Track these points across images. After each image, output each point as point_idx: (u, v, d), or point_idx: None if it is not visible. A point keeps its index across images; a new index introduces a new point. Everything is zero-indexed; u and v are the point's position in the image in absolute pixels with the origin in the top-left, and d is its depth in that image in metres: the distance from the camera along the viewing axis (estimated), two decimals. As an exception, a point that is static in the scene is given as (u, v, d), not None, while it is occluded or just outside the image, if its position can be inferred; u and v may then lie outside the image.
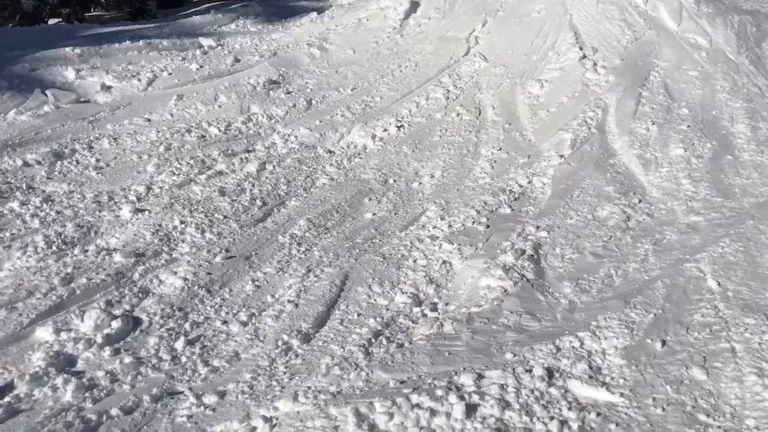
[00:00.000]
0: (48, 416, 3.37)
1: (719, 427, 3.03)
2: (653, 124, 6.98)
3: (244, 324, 4.29)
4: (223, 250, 5.18)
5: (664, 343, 3.67)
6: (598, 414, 3.14)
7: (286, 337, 4.09)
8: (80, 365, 3.85)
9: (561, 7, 9.95)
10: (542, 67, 8.75)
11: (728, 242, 4.71)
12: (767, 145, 6.45)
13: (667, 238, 4.99)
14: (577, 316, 4.11)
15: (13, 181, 6.19)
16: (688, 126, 6.93)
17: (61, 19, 15.45)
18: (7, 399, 3.52)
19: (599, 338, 3.74)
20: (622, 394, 3.28)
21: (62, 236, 5.25)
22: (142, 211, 5.74)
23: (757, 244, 4.67)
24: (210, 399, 3.52)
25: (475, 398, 3.21)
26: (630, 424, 3.08)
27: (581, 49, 8.78)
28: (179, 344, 4.04)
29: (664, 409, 3.16)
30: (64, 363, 3.82)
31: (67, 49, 9.53)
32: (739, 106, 7.37)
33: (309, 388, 3.50)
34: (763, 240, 4.71)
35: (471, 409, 3.13)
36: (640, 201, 5.62)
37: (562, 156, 6.54)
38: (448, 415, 3.10)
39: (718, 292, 4.13)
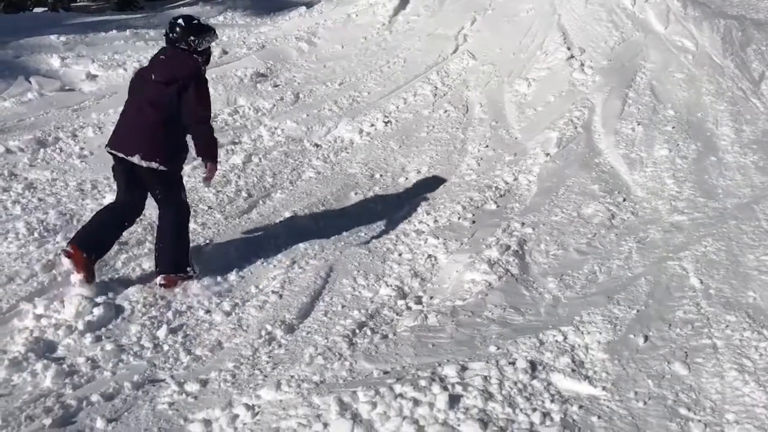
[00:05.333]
0: (27, 401, 3.32)
1: (699, 420, 3.05)
2: (639, 124, 7.03)
3: (228, 314, 4.26)
4: (208, 241, 5.15)
5: (646, 338, 3.69)
6: (581, 407, 3.15)
7: (269, 327, 4.07)
8: (61, 351, 3.80)
9: (550, 7, 9.98)
10: (530, 66, 8.78)
11: (711, 241, 4.74)
12: (751, 147, 6.52)
13: (651, 237, 5.02)
14: (560, 311, 4.13)
15: (-6, 167, 6.12)
16: (673, 127, 6.98)
17: (46, 8, 15.30)
18: (-15, 384, 3.47)
19: (582, 333, 3.75)
20: (604, 388, 3.29)
21: (44, 223, 5.20)
22: (125, 200, 5.68)
23: (739, 244, 4.71)
24: (192, 387, 3.49)
25: (459, 389, 3.20)
26: (612, 417, 3.09)
27: (569, 49, 8.82)
28: (161, 332, 4.00)
29: (645, 403, 3.18)
30: (44, 349, 3.77)
31: (53, 37, 9.46)
32: (723, 108, 7.44)
33: (292, 377, 3.48)
34: (745, 240, 4.76)
35: (454, 400, 3.12)
36: (624, 200, 5.65)
37: (548, 154, 6.57)
38: (431, 405, 3.09)
39: (700, 290, 4.16)
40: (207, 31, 4.51)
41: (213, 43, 4.65)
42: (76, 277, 4.30)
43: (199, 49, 4.47)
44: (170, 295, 4.42)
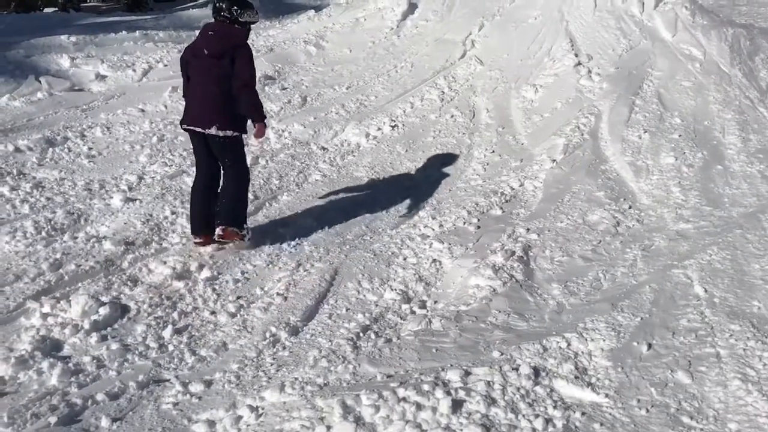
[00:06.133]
0: (33, 399, 3.35)
1: (702, 429, 3.05)
2: (645, 132, 7.03)
3: (233, 315, 4.28)
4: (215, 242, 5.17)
5: (650, 346, 3.69)
6: (583, 413, 3.16)
7: (274, 329, 4.08)
8: (66, 350, 3.83)
9: (558, 14, 9.99)
10: (537, 72, 8.79)
11: (716, 250, 4.74)
12: (757, 157, 6.51)
13: (656, 244, 5.02)
14: (564, 318, 4.13)
15: (3, 166, 6.17)
16: (680, 135, 6.98)
17: (56, 8, 15.39)
18: (-9, 381, 3.50)
19: (586, 340, 3.76)
20: (607, 395, 3.29)
21: (52, 222, 5.24)
22: (133, 200, 5.73)
23: (744, 253, 4.70)
24: (196, 387, 3.51)
25: (462, 394, 3.21)
26: (614, 424, 3.09)
27: (576, 56, 8.83)
28: (167, 333, 4.03)
29: (648, 411, 3.18)
30: (50, 347, 3.80)
31: (63, 37, 9.51)
32: (730, 117, 7.43)
33: (296, 379, 3.50)
34: (750, 249, 4.75)
35: (457, 405, 3.13)
36: (630, 207, 5.65)
37: (554, 160, 6.58)
38: (434, 409, 3.10)
39: (704, 299, 4.16)
40: (250, 8, 5.04)
41: (253, 22, 5.09)
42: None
43: (240, 20, 4.96)
44: (176, 296, 4.45)
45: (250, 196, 5.94)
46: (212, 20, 5.06)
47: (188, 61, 5.00)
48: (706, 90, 8.08)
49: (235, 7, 4.92)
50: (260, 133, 5.06)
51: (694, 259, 4.65)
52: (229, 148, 4.98)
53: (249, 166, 5.17)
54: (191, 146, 5.44)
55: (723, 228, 5.14)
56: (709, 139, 6.98)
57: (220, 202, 5.01)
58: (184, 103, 5.11)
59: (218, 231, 4.92)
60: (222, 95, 4.84)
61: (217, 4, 4.96)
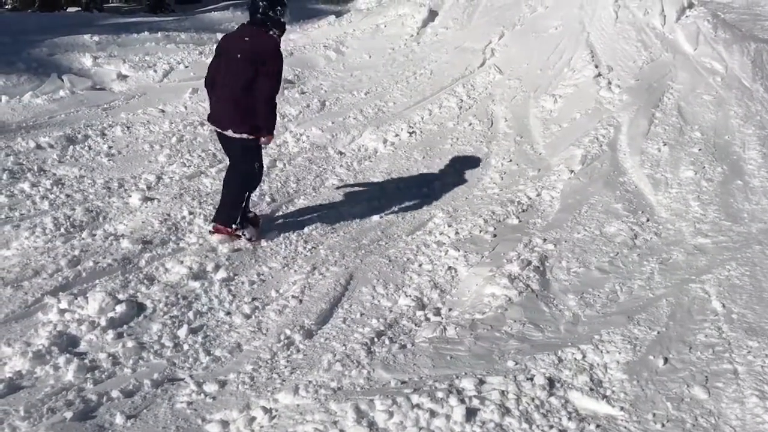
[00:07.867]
0: (49, 394, 3.38)
1: (718, 446, 3.03)
2: (665, 145, 6.99)
3: (248, 316, 4.30)
4: (230, 243, 5.20)
5: (666, 360, 3.67)
6: (598, 426, 3.14)
7: (288, 332, 4.09)
8: (83, 346, 3.86)
9: (578, 25, 9.97)
10: (557, 82, 8.77)
11: (734, 266, 4.70)
12: (778, 173, 6.44)
13: (674, 258, 4.98)
14: (580, 329, 4.11)
15: (24, 162, 6.23)
16: (700, 149, 6.93)
17: (80, 8, 15.57)
18: (8, 375, 3.52)
19: (601, 352, 3.74)
20: (622, 408, 3.27)
21: (71, 219, 5.28)
22: (151, 199, 5.76)
23: (763, 269, 4.66)
24: (210, 387, 3.52)
25: (476, 402, 3.21)
26: (629, 438, 3.07)
27: (597, 67, 8.80)
28: (182, 332, 4.05)
29: (663, 425, 3.16)
30: (67, 343, 3.83)
31: (86, 37, 9.62)
32: (751, 132, 7.37)
33: (310, 382, 3.50)
34: (769, 265, 4.71)
35: (471, 413, 3.13)
36: (648, 220, 5.62)
37: (572, 171, 6.55)
38: (447, 417, 3.10)
39: (722, 314, 4.12)
40: (286, 6, 5.02)
41: (284, 18, 5.03)
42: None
43: (282, 20, 4.99)
44: (191, 296, 4.47)
45: (267, 198, 5.99)
46: (233, 26, 5.08)
47: (221, 54, 5.05)
48: (727, 104, 8.02)
49: (278, 8, 4.91)
50: (267, 142, 5.16)
51: (712, 273, 4.62)
52: (241, 150, 5.09)
53: (257, 171, 5.21)
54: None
55: (742, 243, 5.10)
56: (730, 153, 6.92)
57: (221, 201, 5.25)
58: (205, 99, 5.17)
59: (210, 228, 5.28)
60: (244, 99, 4.89)
61: (259, 3, 4.91)
